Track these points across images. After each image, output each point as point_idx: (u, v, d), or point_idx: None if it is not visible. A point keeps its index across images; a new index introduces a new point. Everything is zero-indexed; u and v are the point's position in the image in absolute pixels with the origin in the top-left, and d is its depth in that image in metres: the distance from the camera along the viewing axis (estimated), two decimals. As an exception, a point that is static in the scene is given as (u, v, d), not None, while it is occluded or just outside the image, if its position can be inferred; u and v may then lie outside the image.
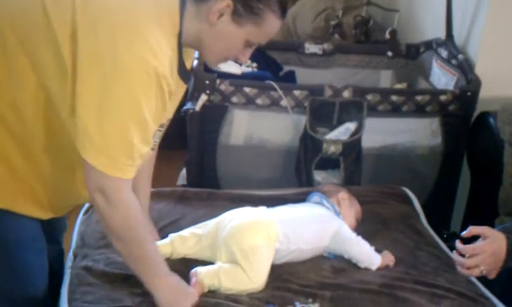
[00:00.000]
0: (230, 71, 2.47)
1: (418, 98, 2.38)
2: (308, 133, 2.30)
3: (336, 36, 3.23)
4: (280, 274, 1.68)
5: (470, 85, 2.40)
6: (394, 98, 2.37)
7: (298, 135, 2.35)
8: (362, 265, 1.76)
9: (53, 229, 1.69)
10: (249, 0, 1.31)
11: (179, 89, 1.45)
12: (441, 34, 2.68)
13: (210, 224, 1.77)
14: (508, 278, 1.70)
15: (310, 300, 1.58)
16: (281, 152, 2.43)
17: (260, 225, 1.70)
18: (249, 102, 2.31)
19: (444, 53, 2.64)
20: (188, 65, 1.48)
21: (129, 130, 1.28)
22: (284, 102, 2.31)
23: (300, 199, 2.00)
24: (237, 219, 1.72)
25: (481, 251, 1.57)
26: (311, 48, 2.94)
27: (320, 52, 2.94)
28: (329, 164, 2.38)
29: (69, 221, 1.88)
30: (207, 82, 2.26)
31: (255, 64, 2.72)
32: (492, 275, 1.61)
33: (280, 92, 2.30)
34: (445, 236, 2.07)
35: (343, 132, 2.35)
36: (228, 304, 1.52)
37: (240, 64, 2.50)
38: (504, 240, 1.58)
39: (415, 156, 2.49)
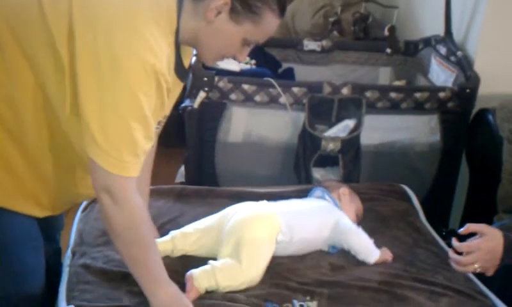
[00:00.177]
0: (228, 68, 2.46)
1: (417, 95, 2.38)
2: (307, 130, 2.30)
3: (335, 33, 3.22)
4: (278, 271, 1.68)
5: (468, 82, 2.40)
6: (393, 95, 2.37)
7: (297, 132, 2.35)
8: (360, 256, 1.76)
9: (50, 227, 1.69)
10: None
11: (176, 86, 1.45)
12: (440, 31, 2.68)
13: (212, 219, 1.78)
14: (506, 275, 1.70)
15: (308, 297, 1.58)
16: (280, 149, 2.43)
17: (262, 218, 1.71)
18: (248, 99, 2.31)
19: (443, 50, 2.64)
20: (186, 63, 1.48)
21: (131, 127, 1.28)
22: (283, 99, 2.30)
23: (299, 196, 2.00)
24: (240, 214, 1.73)
25: (477, 248, 1.57)
26: (310, 45, 2.94)
27: (318, 49, 2.94)
28: (328, 161, 2.38)
29: (67, 219, 1.88)
30: (206, 79, 2.26)
31: (253, 61, 2.72)
32: (489, 273, 1.61)
33: (279, 89, 2.29)
34: (443, 233, 2.06)
35: (342, 129, 2.34)
36: (224, 304, 1.52)
37: (239, 61, 2.49)
38: (501, 238, 1.58)
39: (414, 153, 2.49)
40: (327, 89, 2.32)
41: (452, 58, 2.54)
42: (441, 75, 2.63)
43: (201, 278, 1.56)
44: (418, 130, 2.46)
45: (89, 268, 1.63)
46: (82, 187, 1.55)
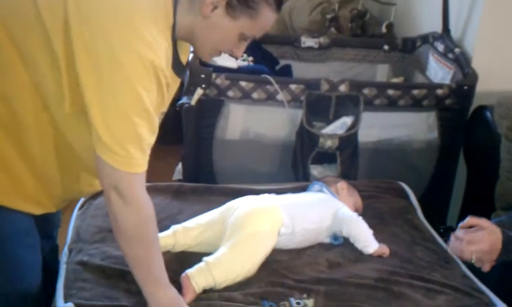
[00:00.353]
0: (225, 65, 2.46)
1: (415, 92, 2.37)
2: (305, 127, 2.30)
3: (333, 29, 3.22)
4: (276, 268, 1.68)
5: (466, 79, 2.39)
6: (391, 92, 2.36)
7: (294, 129, 2.34)
8: (359, 245, 1.78)
9: (47, 225, 1.69)
10: None
11: (173, 83, 1.45)
12: (438, 27, 2.67)
13: (214, 214, 1.78)
14: (503, 272, 1.71)
15: (304, 295, 1.58)
16: (277, 147, 2.42)
17: (264, 211, 1.73)
18: (245, 96, 2.30)
19: (441, 47, 2.64)
20: (184, 60, 1.47)
21: (135, 123, 1.28)
22: (280, 96, 2.30)
23: (297, 193, 2.01)
24: (243, 207, 1.74)
25: (480, 240, 1.60)
26: (307, 42, 2.94)
27: (316, 46, 2.94)
28: (325, 158, 2.38)
29: (64, 216, 1.88)
30: (203, 76, 2.25)
31: (251, 58, 2.71)
32: (486, 268, 1.62)
33: (276, 86, 2.29)
34: (441, 230, 2.06)
35: (339, 126, 2.34)
36: (221, 304, 1.52)
37: (236, 58, 2.49)
38: (499, 234, 1.59)
39: (412, 150, 2.49)
40: (324, 86, 2.32)
41: (450, 55, 2.54)
42: (439, 72, 2.63)
43: (197, 277, 1.55)
44: (415, 127, 2.46)
45: (86, 266, 1.63)
46: (82, 185, 1.55)
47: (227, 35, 1.37)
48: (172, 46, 1.37)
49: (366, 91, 2.34)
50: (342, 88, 2.33)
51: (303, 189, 2.03)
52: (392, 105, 2.38)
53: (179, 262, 1.65)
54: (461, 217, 1.67)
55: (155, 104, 1.33)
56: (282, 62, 2.90)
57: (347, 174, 2.30)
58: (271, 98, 2.31)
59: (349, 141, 2.32)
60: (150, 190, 1.84)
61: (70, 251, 1.72)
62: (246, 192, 1.98)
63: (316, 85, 2.32)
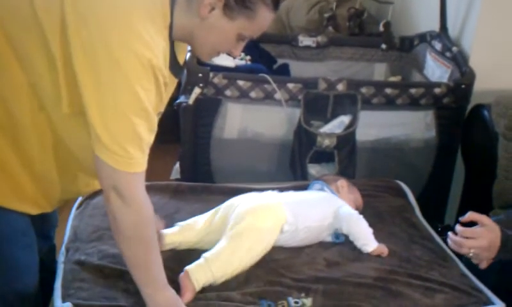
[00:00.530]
0: (223, 64, 2.46)
1: (412, 91, 2.37)
2: (302, 126, 2.30)
3: (330, 28, 3.22)
4: (274, 267, 1.68)
5: (464, 77, 2.40)
6: (388, 91, 2.36)
7: (292, 128, 2.34)
8: (358, 243, 1.78)
9: (44, 224, 1.68)
10: None
11: (171, 83, 1.44)
12: (435, 26, 2.68)
13: (217, 211, 1.79)
14: (501, 271, 1.71)
15: (303, 294, 1.58)
16: (275, 146, 2.42)
17: (267, 208, 1.74)
18: (243, 95, 2.30)
19: (438, 45, 2.64)
20: (181, 60, 1.47)
21: (134, 123, 1.27)
22: (278, 95, 2.30)
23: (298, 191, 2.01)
24: (246, 204, 1.74)
25: (479, 235, 1.60)
26: (305, 41, 2.94)
27: (314, 45, 2.94)
28: (323, 157, 2.38)
29: (62, 216, 1.87)
30: (200, 75, 2.25)
31: (248, 57, 2.71)
32: (483, 266, 1.62)
33: (274, 85, 2.29)
34: (439, 229, 2.07)
35: (337, 125, 2.34)
36: (219, 304, 1.51)
37: (234, 57, 2.48)
38: (499, 232, 1.60)
39: (409, 149, 2.49)
40: (322, 85, 2.32)
41: (448, 54, 2.54)
42: (436, 70, 2.63)
43: (197, 273, 1.55)
44: (413, 126, 2.46)
45: (84, 265, 1.63)
46: (80, 185, 1.55)
47: (225, 36, 1.37)
48: (170, 46, 1.36)
49: (364, 90, 2.34)
50: (340, 87, 2.32)
51: (301, 188, 2.03)
52: (389, 104, 2.38)
53: (177, 261, 1.64)
54: (459, 216, 1.67)
55: (154, 104, 1.32)
56: (280, 61, 2.90)
57: (345, 173, 2.30)
58: (268, 97, 2.31)
59: (346, 139, 2.32)
60: (148, 189, 1.83)
61: (68, 250, 1.72)
62: (244, 191, 1.97)
63: (314, 84, 2.32)
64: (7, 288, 1.50)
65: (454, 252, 1.71)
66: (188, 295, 1.52)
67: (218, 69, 2.34)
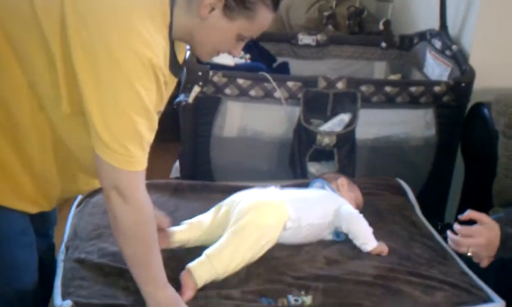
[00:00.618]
0: (223, 63, 2.46)
1: (412, 89, 2.37)
2: (302, 125, 2.30)
3: (330, 27, 3.22)
4: (274, 265, 1.68)
5: (464, 76, 2.40)
6: (388, 89, 2.36)
7: (292, 127, 2.34)
8: (358, 242, 1.78)
9: (43, 223, 1.68)
10: None
11: (171, 82, 1.44)
12: (435, 24, 2.68)
13: (219, 208, 1.79)
14: (501, 268, 1.71)
15: (303, 292, 1.58)
16: (275, 144, 2.42)
17: (270, 205, 1.74)
18: (243, 94, 2.30)
19: (438, 44, 2.64)
20: (180, 59, 1.47)
21: (134, 121, 1.27)
22: (278, 94, 2.30)
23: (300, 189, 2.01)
24: (248, 199, 1.75)
25: (477, 234, 1.59)
26: (304, 39, 2.94)
27: (313, 43, 2.94)
28: (323, 155, 2.38)
29: (61, 214, 1.87)
30: (200, 73, 2.25)
31: (248, 56, 2.71)
32: (484, 264, 1.62)
33: (274, 83, 2.29)
34: (439, 227, 2.07)
35: (337, 123, 2.34)
36: (219, 302, 1.51)
37: (234, 56, 2.48)
38: (498, 230, 1.59)
39: (409, 147, 2.49)
40: (322, 84, 2.32)
41: (447, 52, 2.54)
42: (436, 69, 2.63)
43: (199, 270, 1.55)
44: (413, 124, 2.46)
45: (83, 263, 1.63)
46: (80, 184, 1.55)
47: (225, 36, 1.36)
48: (169, 46, 1.36)
49: (363, 88, 2.34)
50: (340, 85, 2.32)
51: (302, 186, 2.03)
52: (389, 102, 2.38)
53: (178, 259, 1.64)
54: (459, 214, 1.67)
55: (154, 103, 1.32)
56: (279, 59, 2.91)
57: (345, 172, 2.30)
58: (268, 96, 2.31)
59: (346, 138, 2.32)
60: (148, 187, 1.83)
61: (67, 248, 1.71)
62: (244, 189, 1.98)
63: (313, 82, 2.32)
64: (6, 287, 1.49)
65: (454, 250, 1.71)
66: (189, 293, 1.52)
67: (218, 67, 2.34)
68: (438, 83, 2.40)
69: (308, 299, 1.56)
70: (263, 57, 2.82)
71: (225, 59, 2.47)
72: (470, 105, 2.42)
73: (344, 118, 2.34)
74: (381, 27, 2.99)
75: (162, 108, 1.47)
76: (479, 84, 2.40)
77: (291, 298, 1.55)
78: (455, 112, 2.44)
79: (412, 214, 2.05)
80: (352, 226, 1.80)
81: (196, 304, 1.51)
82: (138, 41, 1.24)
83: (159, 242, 1.59)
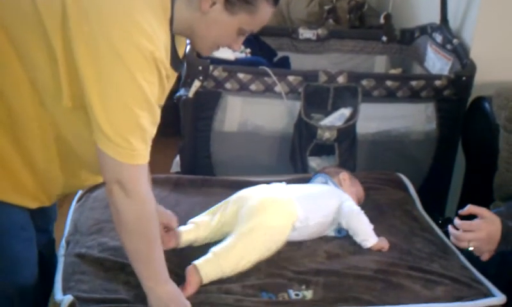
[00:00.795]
0: (223, 57, 2.45)
1: (413, 83, 2.37)
2: (303, 119, 2.29)
3: (331, 21, 3.21)
4: (275, 260, 1.68)
5: (465, 70, 2.39)
6: (389, 83, 2.36)
7: (293, 121, 2.34)
8: (358, 238, 1.78)
9: (43, 218, 1.68)
10: None
11: (171, 76, 1.44)
12: (436, 18, 2.67)
13: (227, 205, 1.78)
14: (501, 262, 1.70)
15: (303, 286, 1.58)
16: (275, 138, 2.42)
17: (279, 204, 1.74)
18: (243, 88, 2.30)
19: (439, 38, 2.63)
20: (180, 53, 1.47)
21: (137, 115, 1.27)
22: (278, 88, 2.29)
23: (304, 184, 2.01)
24: (256, 198, 1.74)
25: (477, 228, 1.59)
26: (305, 33, 2.93)
27: (314, 38, 2.93)
28: (323, 150, 2.38)
29: (62, 210, 1.87)
30: (200, 68, 2.24)
31: (248, 50, 2.71)
32: (485, 258, 1.62)
33: (274, 78, 2.28)
34: (440, 221, 2.07)
35: (338, 117, 2.34)
36: (220, 297, 1.52)
37: (234, 50, 2.48)
38: (499, 224, 1.59)
39: (410, 141, 2.48)
40: (323, 78, 2.31)
41: (448, 46, 2.53)
42: (437, 63, 2.63)
43: (206, 268, 1.56)
44: (414, 119, 2.46)
45: (84, 258, 1.63)
46: (81, 179, 1.54)
47: (226, 30, 1.37)
48: (171, 38, 1.36)
49: (364, 82, 2.33)
50: (340, 80, 2.32)
51: (301, 181, 2.03)
52: (390, 96, 2.37)
53: (180, 255, 1.65)
54: (460, 208, 1.67)
55: (156, 96, 1.32)
56: (280, 54, 2.90)
57: (346, 166, 2.29)
58: (268, 90, 2.31)
59: (347, 132, 2.32)
60: (149, 182, 1.84)
61: (68, 243, 1.72)
62: (245, 184, 1.98)
63: (314, 76, 2.31)
64: (7, 281, 1.49)
65: (455, 245, 1.71)
66: (191, 289, 1.52)
67: (218, 62, 2.34)
68: (438, 77, 2.40)
69: (308, 294, 1.56)
70: (263, 51, 2.81)
71: (225, 54, 2.47)
72: (470, 99, 2.41)
73: (345, 112, 2.34)
74: (381, 21, 2.98)
75: (162, 102, 1.47)
76: (479, 77, 2.39)
77: (292, 292, 1.55)
78: (456, 106, 2.43)
79: (413, 208, 2.04)
80: (353, 223, 1.79)
81: (197, 299, 1.51)
82: (140, 35, 1.24)
83: (168, 242, 1.60)
